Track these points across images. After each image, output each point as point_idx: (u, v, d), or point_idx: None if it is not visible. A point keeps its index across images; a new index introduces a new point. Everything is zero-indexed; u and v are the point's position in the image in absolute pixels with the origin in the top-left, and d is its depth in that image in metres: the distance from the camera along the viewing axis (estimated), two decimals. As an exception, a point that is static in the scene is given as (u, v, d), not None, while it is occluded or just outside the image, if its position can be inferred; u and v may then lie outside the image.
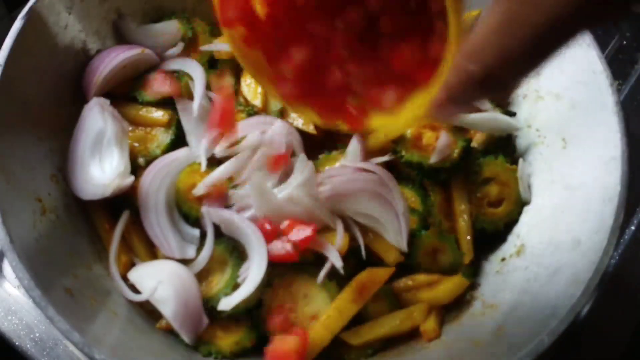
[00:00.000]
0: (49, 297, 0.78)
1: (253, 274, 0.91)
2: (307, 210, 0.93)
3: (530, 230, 0.99)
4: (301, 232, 0.91)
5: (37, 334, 1.05)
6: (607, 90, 0.92)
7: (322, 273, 0.91)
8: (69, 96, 1.05)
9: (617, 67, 1.36)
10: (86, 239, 0.98)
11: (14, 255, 0.79)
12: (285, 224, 0.93)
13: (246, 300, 0.90)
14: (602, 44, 0.98)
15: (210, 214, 0.96)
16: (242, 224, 0.94)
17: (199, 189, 0.98)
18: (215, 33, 1.18)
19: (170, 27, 1.14)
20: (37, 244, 0.87)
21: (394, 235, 0.95)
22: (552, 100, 1.03)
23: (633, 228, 1.19)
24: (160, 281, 0.91)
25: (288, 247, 0.90)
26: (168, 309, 0.89)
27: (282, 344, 0.87)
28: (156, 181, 0.98)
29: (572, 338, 1.07)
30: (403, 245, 0.95)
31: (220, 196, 0.98)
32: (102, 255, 0.99)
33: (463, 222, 1.01)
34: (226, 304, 0.90)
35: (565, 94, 1.00)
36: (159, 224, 0.97)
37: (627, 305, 1.11)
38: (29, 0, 0.95)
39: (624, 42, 1.40)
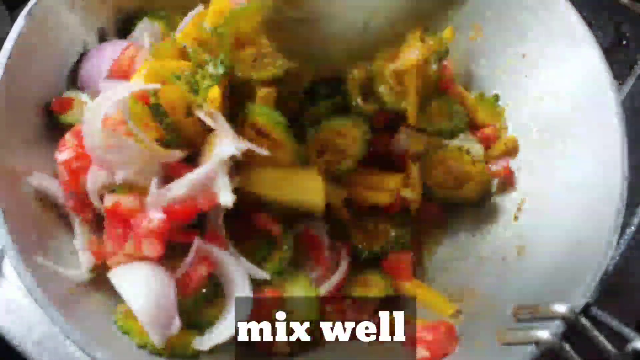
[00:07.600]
0: (50, 296, 0.79)
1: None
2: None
3: (530, 231, 0.99)
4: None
5: (37, 334, 1.05)
6: (607, 90, 0.91)
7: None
8: (70, 96, 1.05)
9: (617, 67, 1.36)
10: (87, 238, 0.98)
11: (15, 255, 0.79)
12: None
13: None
14: (602, 44, 0.98)
15: None
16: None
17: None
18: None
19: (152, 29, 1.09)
20: (39, 243, 0.87)
21: None
22: (552, 100, 1.03)
23: (633, 228, 1.19)
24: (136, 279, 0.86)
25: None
26: (137, 303, 0.84)
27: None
28: None
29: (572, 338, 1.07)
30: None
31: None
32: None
33: None
34: (203, 342, 0.84)
35: (565, 94, 1.00)
36: None
37: (627, 306, 1.11)
38: (29, 0, 0.96)
39: (624, 42, 1.40)
